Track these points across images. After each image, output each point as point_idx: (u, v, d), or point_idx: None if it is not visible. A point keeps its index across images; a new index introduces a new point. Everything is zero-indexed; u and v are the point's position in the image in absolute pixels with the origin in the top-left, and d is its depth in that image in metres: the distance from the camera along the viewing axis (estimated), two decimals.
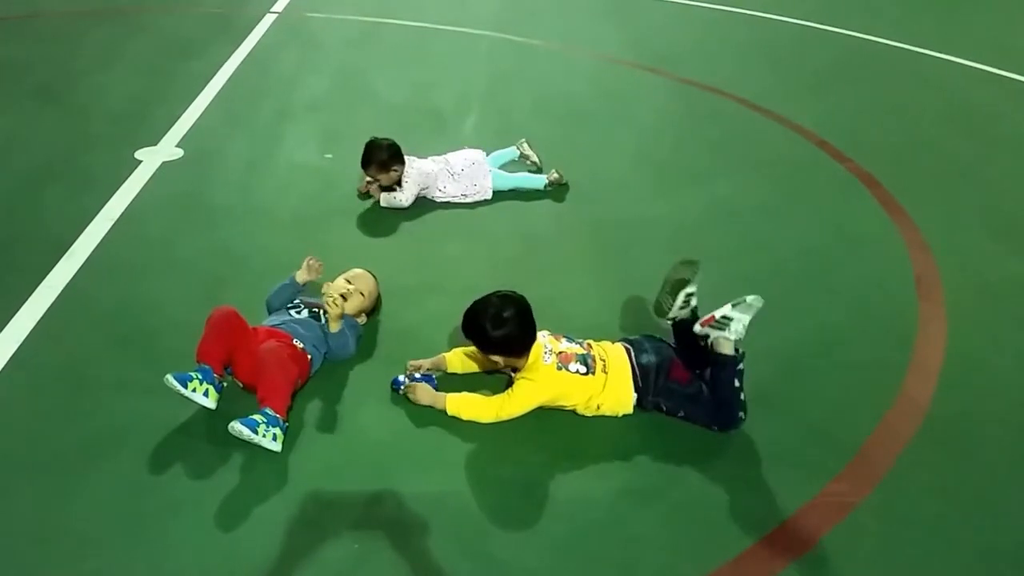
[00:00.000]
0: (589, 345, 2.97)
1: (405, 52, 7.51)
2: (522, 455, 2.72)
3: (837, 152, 5.36)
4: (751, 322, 2.83)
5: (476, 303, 2.85)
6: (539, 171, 4.84)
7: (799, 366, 3.24)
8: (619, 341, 3.03)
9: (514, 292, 2.88)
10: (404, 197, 4.43)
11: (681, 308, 3.04)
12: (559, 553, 2.36)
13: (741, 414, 2.80)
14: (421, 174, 4.47)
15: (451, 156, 4.63)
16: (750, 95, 6.37)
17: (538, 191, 4.67)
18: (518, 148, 4.94)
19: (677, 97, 6.50)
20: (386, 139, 4.49)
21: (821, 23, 8.71)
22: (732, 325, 2.81)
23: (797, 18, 8.89)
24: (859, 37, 8.27)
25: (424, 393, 2.90)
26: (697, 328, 2.88)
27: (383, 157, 4.43)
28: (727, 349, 2.82)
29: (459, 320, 2.87)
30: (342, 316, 3.09)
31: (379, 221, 4.35)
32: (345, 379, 3.07)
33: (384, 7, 8.92)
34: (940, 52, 7.71)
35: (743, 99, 6.31)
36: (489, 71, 7.04)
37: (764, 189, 4.86)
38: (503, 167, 4.82)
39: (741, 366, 2.81)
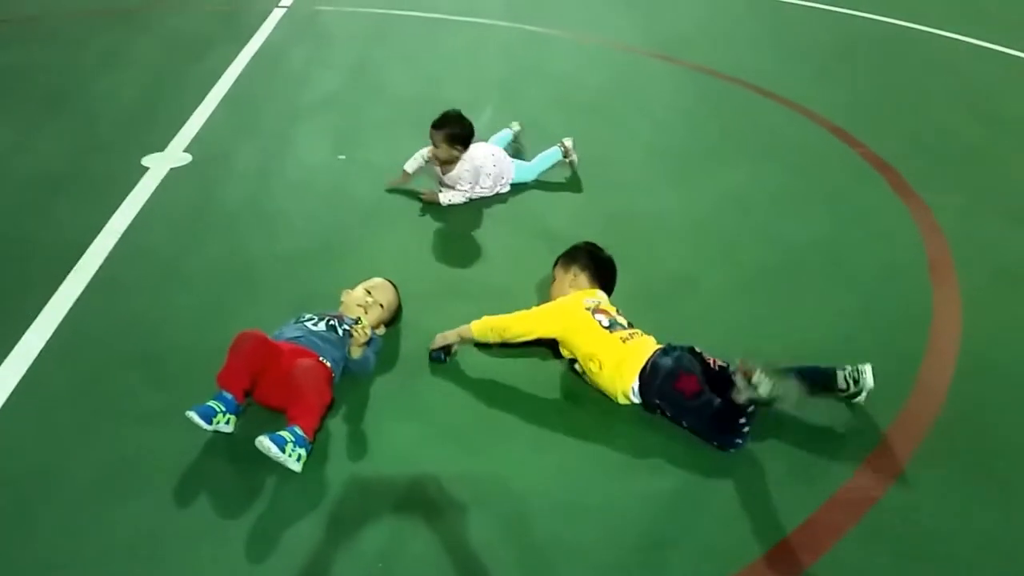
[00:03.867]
0: (630, 324, 3.07)
1: (418, 44, 7.45)
2: (548, 463, 2.71)
3: (850, 137, 5.34)
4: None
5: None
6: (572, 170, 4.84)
7: (814, 356, 3.14)
8: (662, 344, 3.00)
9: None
10: (462, 194, 4.44)
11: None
12: (587, 559, 2.36)
13: (739, 441, 2.72)
14: (473, 171, 4.40)
15: (474, 151, 4.47)
16: (764, 81, 6.35)
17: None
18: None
19: (691, 85, 6.47)
20: (466, 118, 4.42)
21: (832, 5, 8.66)
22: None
23: (807, 0, 8.83)
24: (871, 19, 8.22)
25: (449, 332, 3.09)
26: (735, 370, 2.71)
27: (456, 130, 4.34)
28: (739, 398, 2.66)
29: None
30: (367, 344, 2.99)
31: (395, 223, 4.30)
32: (365, 391, 3.00)
33: None
34: (953, 32, 7.65)
35: (756, 86, 6.29)
36: (503, 63, 7.00)
37: (778, 176, 4.84)
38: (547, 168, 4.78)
39: (751, 409, 2.67)
